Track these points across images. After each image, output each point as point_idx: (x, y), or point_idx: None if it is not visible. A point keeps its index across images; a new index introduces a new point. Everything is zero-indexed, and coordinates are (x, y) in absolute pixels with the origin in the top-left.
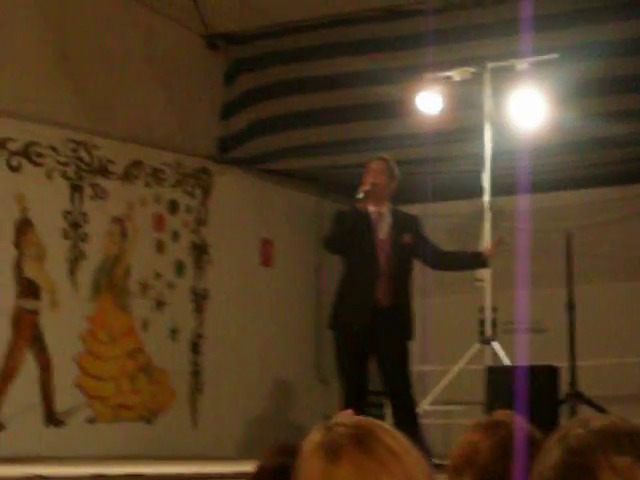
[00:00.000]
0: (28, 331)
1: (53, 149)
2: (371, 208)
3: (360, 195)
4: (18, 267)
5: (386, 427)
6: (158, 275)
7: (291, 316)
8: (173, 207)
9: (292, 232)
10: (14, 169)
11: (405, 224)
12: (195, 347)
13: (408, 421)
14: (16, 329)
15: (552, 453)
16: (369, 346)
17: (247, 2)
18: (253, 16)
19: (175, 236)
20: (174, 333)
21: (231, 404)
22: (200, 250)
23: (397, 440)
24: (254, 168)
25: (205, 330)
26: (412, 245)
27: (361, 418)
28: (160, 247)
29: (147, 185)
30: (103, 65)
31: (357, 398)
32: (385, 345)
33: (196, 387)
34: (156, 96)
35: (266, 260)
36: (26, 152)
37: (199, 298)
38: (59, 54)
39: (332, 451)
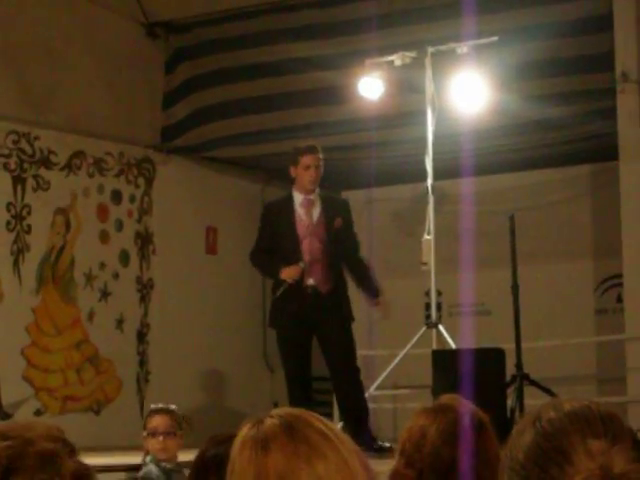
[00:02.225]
0: None
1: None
2: (299, 196)
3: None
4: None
5: (316, 415)
6: (103, 265)
7: (237, 304)
8: (117, 197)
9: (237, 219)
10: None
11: (335, 209)
12: (141, 337)
13: (355, 408)
14: None
15: (525, 436)
16: (310, 334)
17: None
18: (193, 4)
19: (119, 226)
20: (120, 323)
21: (178, 393)
22: (145, 240)
23: (328, 426)
24: (197, 156)
25: (151, 320)
26: (342, 229)
27: (292, 409)
28: (104, 237)
29: (90, 175)
30: (43, 56)
31: (302, 388)
32: (328, 331)
33: (143, 377)
34: (97, 86)
35: (211, 248)
36: None
37: (144, 288)
38: None
39: (261, 440)
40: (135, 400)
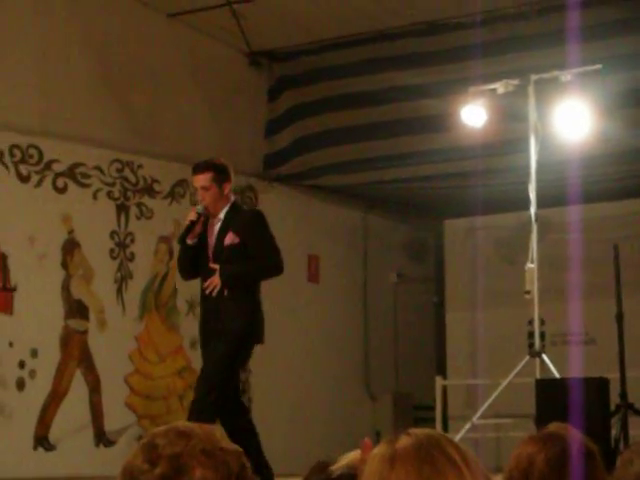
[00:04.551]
0: (77, 351)
1: (99, 170)
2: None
3: (190, 225)
4: (66, 288)
5: (453, 440)
6: None
7: (338, 332)
8: None
9: (338, 248)
10: (60, 190)
11: (233, 224)
12: None
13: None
14: (65, 350)
15: (634, 466)
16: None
17: (289, 19)
18: (296, 33)
19: None
20: None
21: (279, 420)
22: None
23: (461, 452)
24: (299, 185)
25: None
26: (237, 245)
27: (430, 430)
28: None
29: (193, 203)
30: (147, 85)
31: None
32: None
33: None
34: (200, 115)
35: (313, 276)
36: (72, 173)
37: None
38: (104, 75)
39: (390, 456)
40: None
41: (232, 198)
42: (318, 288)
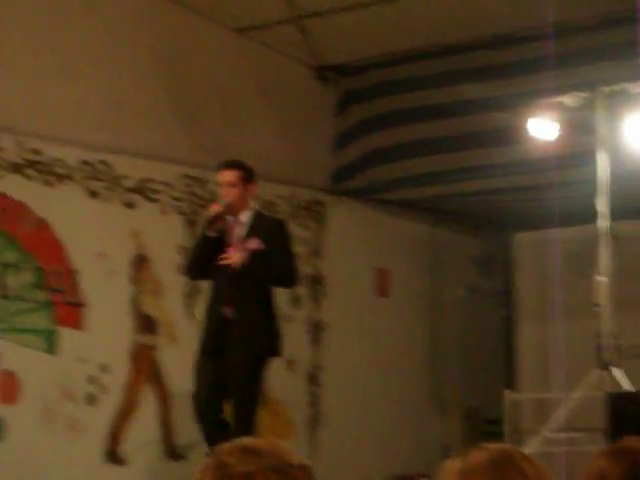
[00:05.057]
0: (147, 366)
1: (167, 185)
2: (229, 218)
3: (211, 219)
4: (135, 303)
5: (527, 456)
6: None
7: (407, 346)
8: None
9: (407, 262)
10: (129, 206)
11: (260, 230)
12: (312, 378)
13: None
14: (135, 364)
15: None
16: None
17: (357, 33)
18: (363, 47)
19: None
20: (291, 364)
21: (349, 435)
22: (316, 282)
23: (536, 468)
24: (368, 198)
25: (322, 361)
26: (261, 251)
27: (503, 444)
28: None
29: None
30: (216, 100)
31: None
32: (232, 361)
33: (314, 419)
34: (268, 129)
35: (382, 291)
36: (141, 189)
37: (315, 330)
38: (173, 90)
39: (463, 471)
40: (306, 442)
41: (255, 205)
42: (386, 302)
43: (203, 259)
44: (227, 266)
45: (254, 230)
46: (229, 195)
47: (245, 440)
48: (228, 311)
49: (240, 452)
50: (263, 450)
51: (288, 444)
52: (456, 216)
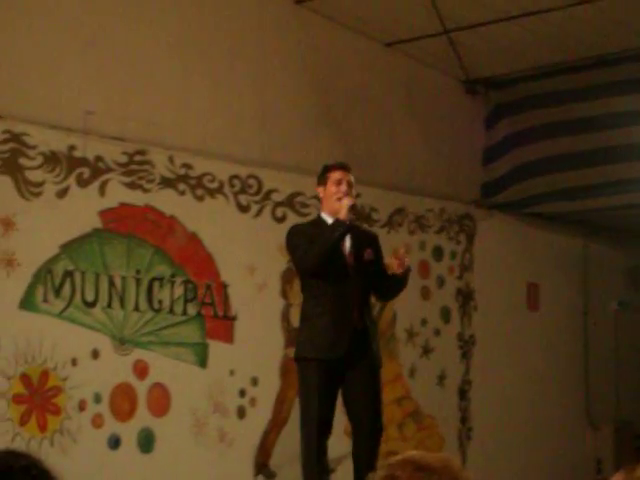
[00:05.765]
0: (297, 380)
1: (318, 199)
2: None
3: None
4: (286, 317)
5: None
6: (424, 322)
7: (559, 360)
8: (438, 253)
9: (558, 275)
10: (279, 220)
11: (365, 239)
12: (463, 393)
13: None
14: (285, 378)
15: None
16: (342, 374)
17: (506, 46)
18: (512, 60)
19: (441, 282)
20: (441, 380)
21: (500, 450)
22: (466, 296)
23: None
24: (518, 212)
25: (472, 376)
26: (372, 262)
27: None
28: (426, 294)
29: (411, 232)
30: (364, 114)
31: (325, 437)
32: (358, 373)
33: (465, 434)
34: (417, 143)
35: (533, 304)
36: (290, 203)
37: (466, 344)
38: (321, 104)
39: None
40: (457, 458)
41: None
42: (538, 316)
43: (330, 251)
44: (346, 268)
45: (360, 239)
46: (349, 195)
47: (416, 454)
48: (357, 317)
49: (412, 468)
50: (434, 467)
51: (458, 460)
52: (607, 229)
